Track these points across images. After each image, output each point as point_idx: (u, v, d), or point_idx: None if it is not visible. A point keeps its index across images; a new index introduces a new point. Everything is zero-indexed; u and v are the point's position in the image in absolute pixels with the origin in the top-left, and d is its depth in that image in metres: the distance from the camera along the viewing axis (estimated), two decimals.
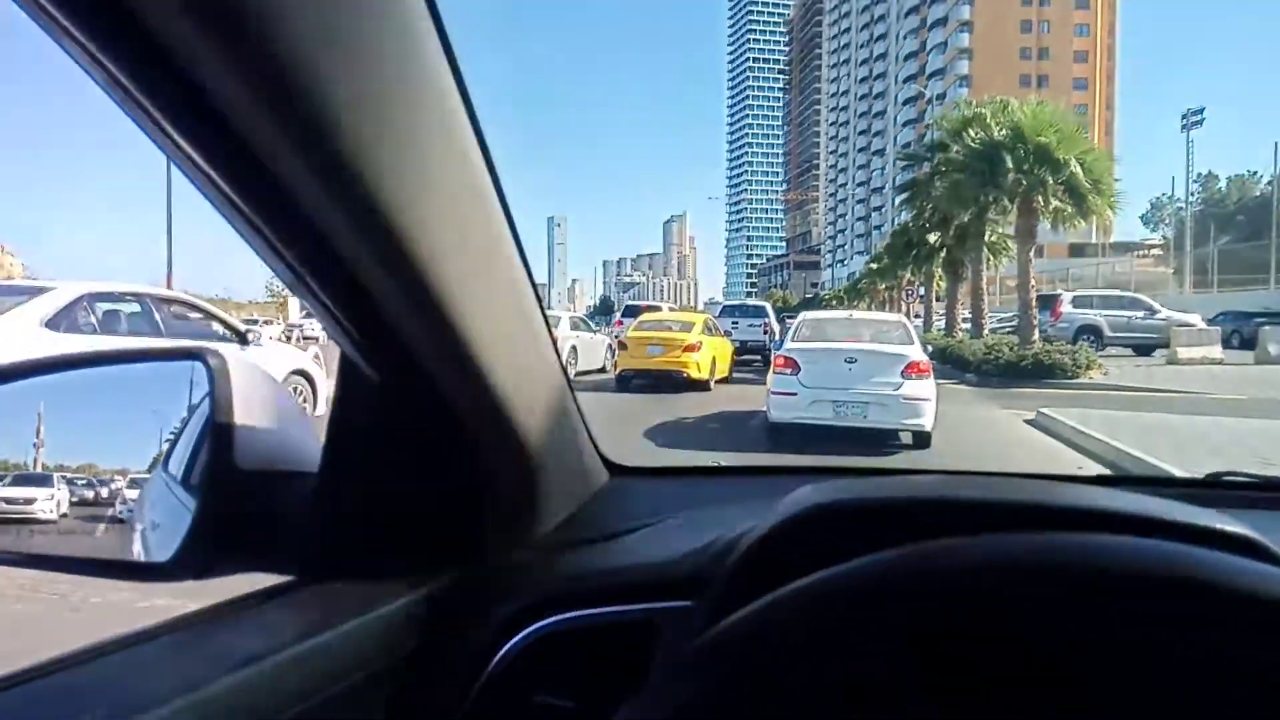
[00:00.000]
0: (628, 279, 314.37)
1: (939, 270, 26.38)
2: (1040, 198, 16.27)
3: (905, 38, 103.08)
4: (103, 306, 7.28)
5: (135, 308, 7.46)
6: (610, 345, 16.94)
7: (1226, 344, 19.16)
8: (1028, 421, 10.42)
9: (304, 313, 16.79)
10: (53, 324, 6.60)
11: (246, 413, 0.75)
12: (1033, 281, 16.94)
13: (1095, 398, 13.23)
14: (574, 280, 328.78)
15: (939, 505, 0.70)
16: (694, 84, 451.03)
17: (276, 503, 0.77)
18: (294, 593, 0.78)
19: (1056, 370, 15.32)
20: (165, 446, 0.80)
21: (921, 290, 31.66)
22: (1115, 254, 50.20)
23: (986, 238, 21.32)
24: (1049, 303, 20.71)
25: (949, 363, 19.12)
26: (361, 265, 0.63)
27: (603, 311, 28.80)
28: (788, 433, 8.33)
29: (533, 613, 0.82)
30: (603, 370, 16.50)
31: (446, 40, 0.62)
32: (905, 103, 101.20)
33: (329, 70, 0.51)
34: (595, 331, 18.23)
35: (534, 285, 0.88)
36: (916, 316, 34.87)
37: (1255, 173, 65.31)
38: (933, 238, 23.56)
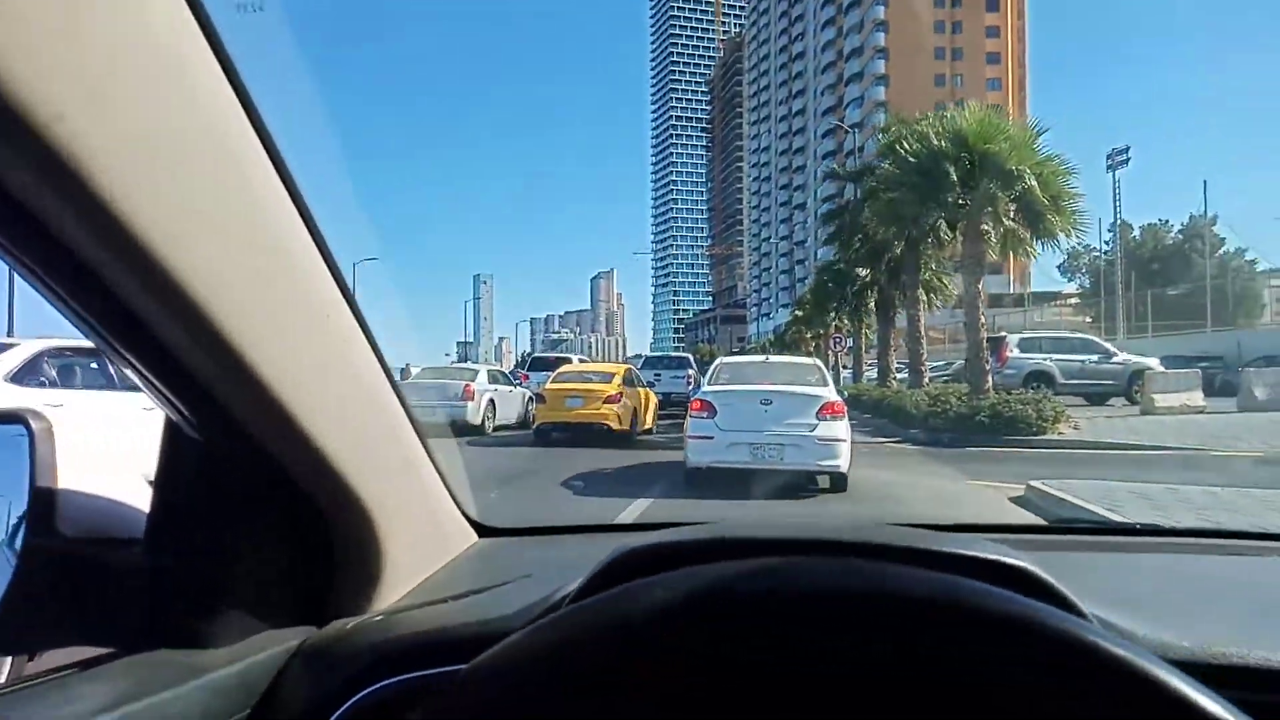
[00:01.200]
0: (555, 335, 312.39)
1: (868, 315, 23.87)
2: (989, 218, 13.68)
3: (822, 66, 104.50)
4: (58, 362, 7.54)
5: (92, 363, 7.51)
6: (530, 398, 16.71)
7: None
8: (1015, 500, 7.40)
9: None
10: (16, 378, 7.07)
11: (74, 477, 0.75)
12: (982, 320, 14.21)
13: (1074, 459, 10.39)
14: (501, 338, 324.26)
15: (741, 545, 0.66)
16: (619, 142, 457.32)
17: (101, 571, 0.76)
18: (110, 663, 0.74)
19: (1019, 424, 12.50)
20: None
21: (850, 340, 29.17)
22: (1034, 304, 49.31)
23: (922, 273, 18.78)
24: (994, 346, 18.15)
25: (887, 417, 16.25)
26: (167, 332, 0.64)
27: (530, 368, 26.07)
28: (707, 478, 8.21)
29: (367, 675, 0.78)
30: (523, 425, 16.25)
31: (246, 97, 0.63)
32: (825, 134, 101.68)
33: (110, 119, 0.53)
34: (514, 385, 17.68)
35: (375, 348, 0.87)
36: (845, 368, 32.46)
37: (1166, 221, 65.76)
38: (862, 272, 20.91)
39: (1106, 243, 69.39)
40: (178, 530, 0.79)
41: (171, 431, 0.78)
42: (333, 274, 0.78)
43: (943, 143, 13.70)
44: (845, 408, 8.49)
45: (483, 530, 1.26)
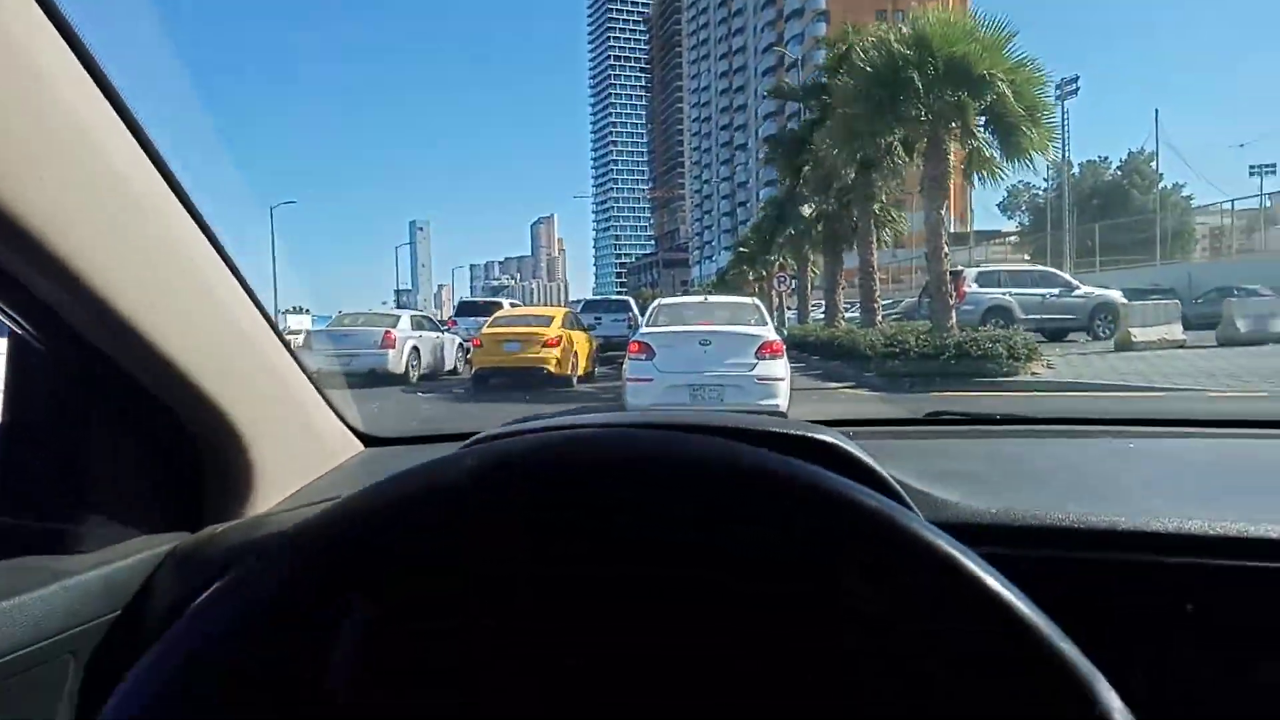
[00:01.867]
0: (496, 282, 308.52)
1: (815, 251, 22.35)
2: (956, 134, 12.09)
3: (762, 3, 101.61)
4: None
5: None
6: (462, 344, 16.43)
7: None
8: None
9: None
10: None
11: None
12: (945, 250, 12.72)
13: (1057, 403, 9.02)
14: (440, 285, 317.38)
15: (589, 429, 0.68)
16: (557, 84, 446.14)
17: None
18: None
19: (989, 365, 11.12)
20: None
21: (794, 279, 27.73)
22: (975, 242, 48.47)
23: (875, 204, 17.22)
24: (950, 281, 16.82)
25: (838, 359, 14.81)
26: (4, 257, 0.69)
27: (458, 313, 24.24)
28: None
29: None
30: (454, 372, 16.01)
31: (85, 53, 0.69)
32: (765, 72, 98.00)
33: None
34: (441, 331, 16.71)
35: (239, 275, 0.92)
36: (790, 309, 31.07)
37: (1105, 158, 65.65)
38: (807, 210, 19.25)
39: (1046, 179, 69.38)
40: (31, 441, 0.82)
41: (17, 343, 0.80)
42: (186, 207, 0.83)
43: (903, 48, 11.96)
44: (784, 346, 8.43)
45: (370, 441, 1.29)
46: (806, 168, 17.41)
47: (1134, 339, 13.25)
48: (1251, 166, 51.71)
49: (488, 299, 23.21)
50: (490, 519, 0.49)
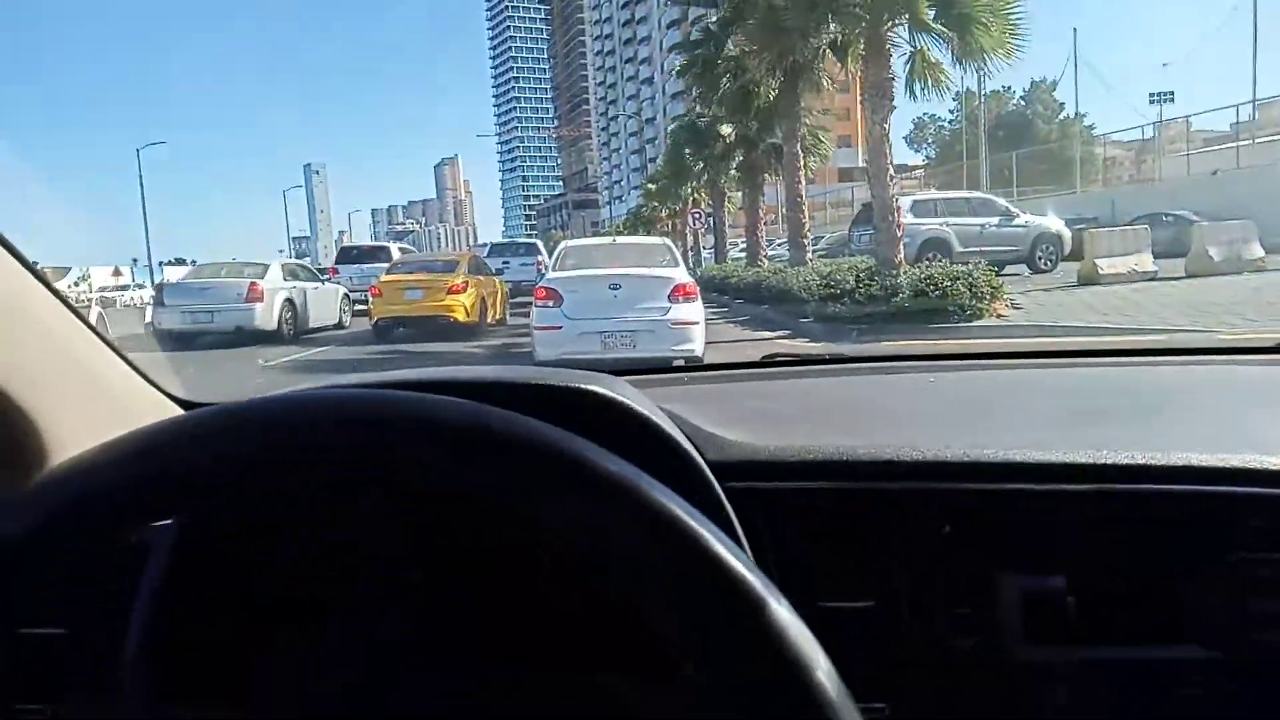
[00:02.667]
0: (400, 227, 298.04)
1: (731, 185, 20.27)
2: (900, 27, 10.06)
3: None
4: None
5: None
6: (347, 295, 15.54)
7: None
8: None
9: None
10: None
11: None
12: (890, 171, 10.78)
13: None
14: (341, 232, 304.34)
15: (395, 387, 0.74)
16: (452, 19, 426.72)
17: None
18: None
19: (949, 307, 9.37)
20: None
21: (710, 215, 25.64)
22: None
23: (801, 124, 15.17)
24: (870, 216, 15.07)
25: (768, 303, 12.91)
26: None
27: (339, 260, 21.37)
28: None
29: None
30: (340, 326, 15.00)
31: None
32: (669, 26, 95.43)
33: None
34: (322, 282, 15.61)
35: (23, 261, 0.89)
36: (706, 249, 29.08)
37: (1009, 88, 65.31)
38: (726, 130, 17.04)
39: (951, 111, 69.09)
40: None
41: None
42: None
43: None
44: (698, 289, 8.14)
45: (189, 405, 1.17)
46: (724, 80, 15.06)
47: (1100, 271, 11.71)
48: (1151, 94, 52.01)
49: (373, 244, 20.81)
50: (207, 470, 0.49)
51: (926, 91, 10.78)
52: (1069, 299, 10.69)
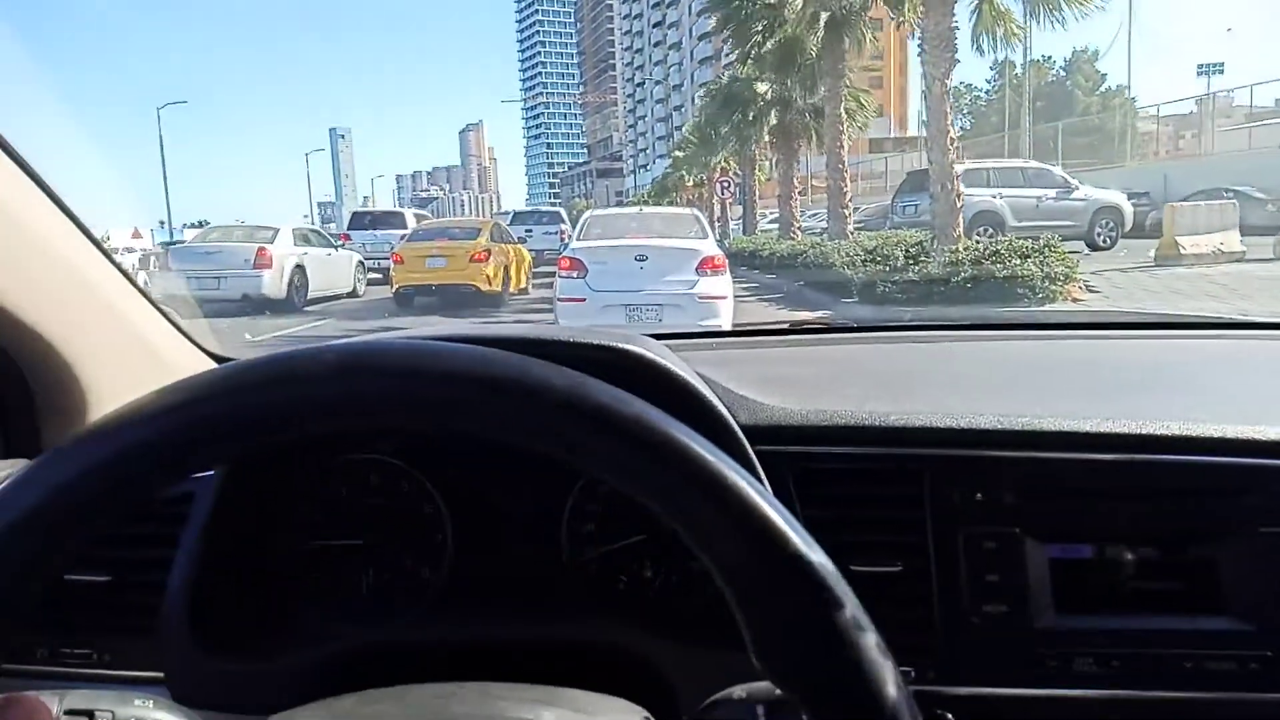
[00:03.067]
0: (424, 194, 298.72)
1: (762, 150, 19.07)
2: None
3: None
4: None
5: None
6: (361, 262, 15.04)
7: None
8: None
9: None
10: None
11: None
12: (951, 134, 9.64)
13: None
14: (365, 197, 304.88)
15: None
16: None
17: None
18: None
19: (1019, 289, 8.30)
20: None
21: (739, 184, 24.41)
22: (912, 149, 45.35)
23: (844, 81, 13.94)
24: (920, 180, 13.90)
25: (805, 279, 11.85)
26: None
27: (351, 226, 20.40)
28: None
29: None
30: (353, 294, 14.42)
31: None
32: None
33: None
34: (335, 248, 14.95)
35: (53, 197, 0.91)
36: (735, 220, 27.86)
37: (1049, 58, 62.81)
38: (761, 89, 15.83)
39: (988, 80, 66.78)
40: None
41: None
42: None
43: None
44: (726, 261, 7.85)
45: (223, 361, 1.22)
46: (761, 34, 13.81)
47: (1182, 250, 10.50)
48: (1199, 65, 49.71)
49: (387, 210, 20.11)
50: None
51: (994, 44, 9.64)
52: (1151, 281, 9.55)
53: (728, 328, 6.98)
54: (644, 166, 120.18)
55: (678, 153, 35.04)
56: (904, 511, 0.86)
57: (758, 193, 22.82)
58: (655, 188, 47.84)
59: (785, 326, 1.67)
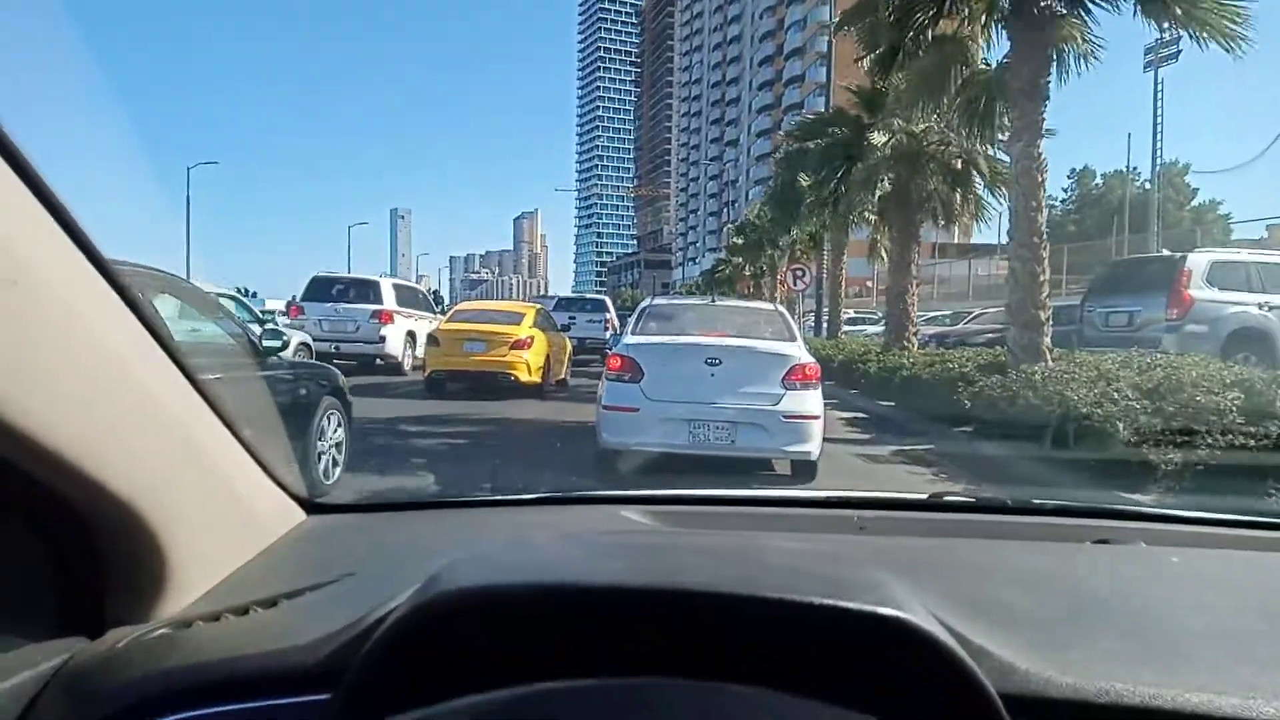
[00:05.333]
0: (474, 276, 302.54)
1: (875, 230, 14.18)
2: None
3: (761, 16, 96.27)
4: None
5: None
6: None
7: None
8: None
9: None
10: None
11: None
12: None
13: None
14: (421, 276, 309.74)
15: (586, 595, 0.64)
16: (544, 77, 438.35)
17: None
18: None
19: None
20: None
21: (808, 275, 19.47)
22: (978, 255, 39.67)
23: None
24: (1158, 275, 8.82)
25: (927, 414, 6.72)
26: None
27: (305, 297, 16.29)
28: (626, 460, 6.13)
29: (144, 708, 0.69)
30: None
31: None
32: (762, 63, 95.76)
33: None
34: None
35: (143, 316, 0.76)
36: (807, 313, 22.92)
37: (1135, 168, 58.01)
38: (878, 139, 10.98)
39: (1064, 189, 62.17)
40: None
41: None
42: (59, 220, 0.65)
43: None
44: (820, 371, 6.31)
45: (312, 508, 1.12)
46: (907, 45, 8.74)
47: None
48: None
49: (358, 277, 15.75)
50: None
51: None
52: None
53: (815, 455, 5.90)
54: (693, 259, 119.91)
55: (736, 239, 30.36)
56: None
57: (844, 283, 17.77)
58: (706, 275, 43.23)
59: (919, 499, 1.32)
